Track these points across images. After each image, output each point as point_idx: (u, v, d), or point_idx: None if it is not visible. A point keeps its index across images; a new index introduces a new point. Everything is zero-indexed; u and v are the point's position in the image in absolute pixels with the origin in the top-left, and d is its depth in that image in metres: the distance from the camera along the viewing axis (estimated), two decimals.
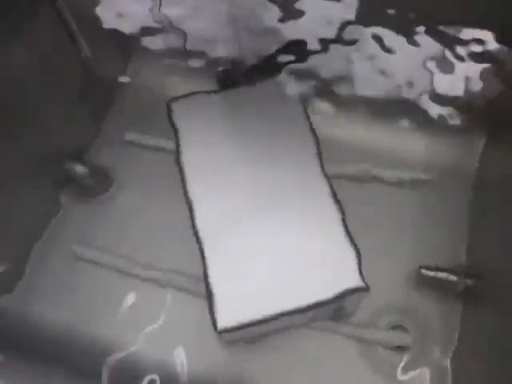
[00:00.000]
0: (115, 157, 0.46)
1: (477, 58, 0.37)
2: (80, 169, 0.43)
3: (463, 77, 0.39)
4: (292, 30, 0.41)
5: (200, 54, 0.45)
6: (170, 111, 0.40)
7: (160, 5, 0.42)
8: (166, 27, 0.45)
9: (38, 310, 0.39)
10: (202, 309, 0.33)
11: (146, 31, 0.46)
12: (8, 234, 0.39)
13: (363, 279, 0.33)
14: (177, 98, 0.40)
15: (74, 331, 0.38)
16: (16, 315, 0.39)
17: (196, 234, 0.35)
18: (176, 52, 0.47)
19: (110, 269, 0.40)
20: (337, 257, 0.33)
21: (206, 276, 0.33)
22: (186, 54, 0.47)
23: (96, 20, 0.42)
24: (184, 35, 0.45)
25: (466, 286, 0.37)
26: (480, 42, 0.36)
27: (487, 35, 0.35)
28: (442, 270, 0.38)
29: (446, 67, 0.39)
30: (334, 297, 0.32)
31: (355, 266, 0.33)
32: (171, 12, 0.44)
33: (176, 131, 0.39)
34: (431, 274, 0.38)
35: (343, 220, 0.35)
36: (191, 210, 0.36)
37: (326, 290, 0.32)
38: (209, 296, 0.32)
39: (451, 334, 0.37)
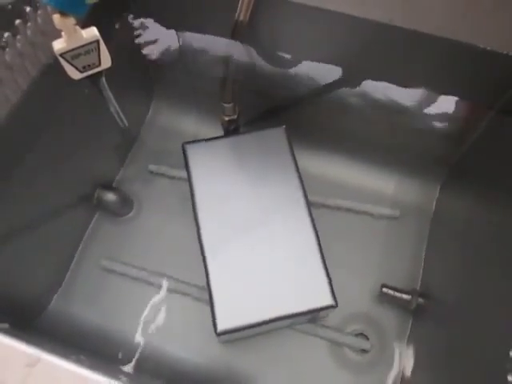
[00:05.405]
0: (138, 184, 0.55)
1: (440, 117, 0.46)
2: (109, 195, 0.51)
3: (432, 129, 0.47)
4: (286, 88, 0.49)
5: (211, 102, 0.53)
6: (184, 152, 0.48)
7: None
8: (184, 78, 0.53)
9: (73, 313, 0.48)
10: (205, 313, 0.42)
11: (167, 79, 0.55)
12: (49, 251, 0.47)
13: (334, 298, 0.41)
14: (190, 142, 0.49)
15: (101, 330, 0.47)
16: (57, 317, 0.48)
17: (202, 252, 0.43)
18: (190, 98, 0.56)
19: (133, 279, 0.49)
20: (313, 277, 0.42)
21: (209, 289, 0.41)
22: (198, 99, 0.56)
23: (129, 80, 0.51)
24: (197, 87, 0.54)
25: (417, 304, 0.45)
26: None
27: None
28: (400, 290, 0.46)
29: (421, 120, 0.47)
30: (309, 310, 0.41)
31: (328, 287, 0.41)
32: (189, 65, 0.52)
33: (189, 168, 0.47)
34: (390, 292, 0.46)
35: (319, 246, 0.43)
36: (199, 233, 0.44)
37: (303, 304, 0.41)
38: (211, 304, 0.41)
39: (403, 342, 0.46)
